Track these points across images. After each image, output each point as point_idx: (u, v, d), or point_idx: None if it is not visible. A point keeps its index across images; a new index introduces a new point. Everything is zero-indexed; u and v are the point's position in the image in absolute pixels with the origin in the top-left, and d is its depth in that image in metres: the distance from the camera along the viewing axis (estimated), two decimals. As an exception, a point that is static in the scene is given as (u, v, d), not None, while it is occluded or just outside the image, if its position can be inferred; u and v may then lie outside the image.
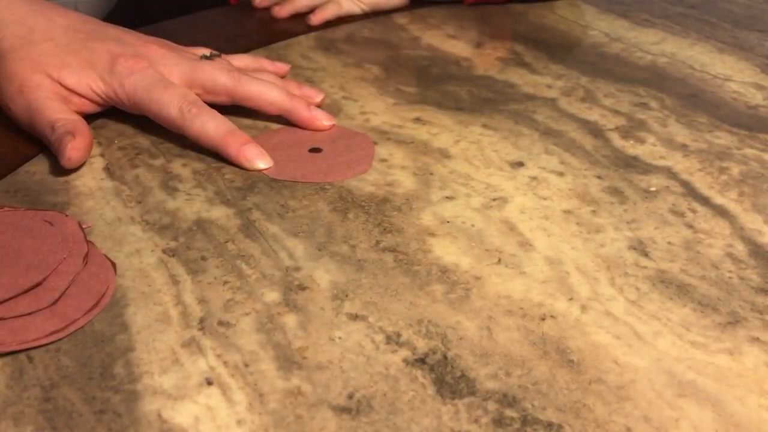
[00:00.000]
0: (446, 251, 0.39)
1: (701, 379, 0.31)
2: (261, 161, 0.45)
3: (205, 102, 0.48)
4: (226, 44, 0.63)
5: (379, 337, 0.33)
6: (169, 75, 0.48)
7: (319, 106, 0.53)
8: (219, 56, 0.53)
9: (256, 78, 0.50)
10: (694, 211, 0.42)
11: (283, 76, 0.57)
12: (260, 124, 0.51)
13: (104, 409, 0.29)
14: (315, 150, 0.48)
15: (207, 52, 0.53)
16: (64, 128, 0.44)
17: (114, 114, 0.50)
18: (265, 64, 0.57)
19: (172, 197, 0.42)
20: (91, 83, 0.47)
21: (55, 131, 0.44)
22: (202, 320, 0.34)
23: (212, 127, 0.46)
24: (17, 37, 0.47)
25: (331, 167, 0.46)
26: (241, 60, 0.56)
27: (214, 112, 0.47)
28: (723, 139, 0.50)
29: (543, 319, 0.34)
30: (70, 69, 0.47)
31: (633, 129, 0.51)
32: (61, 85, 0.47)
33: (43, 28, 0.48)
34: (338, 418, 0.29)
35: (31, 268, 0.35)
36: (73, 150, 0.43)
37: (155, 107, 0.46)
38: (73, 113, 0.46)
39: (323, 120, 0.50)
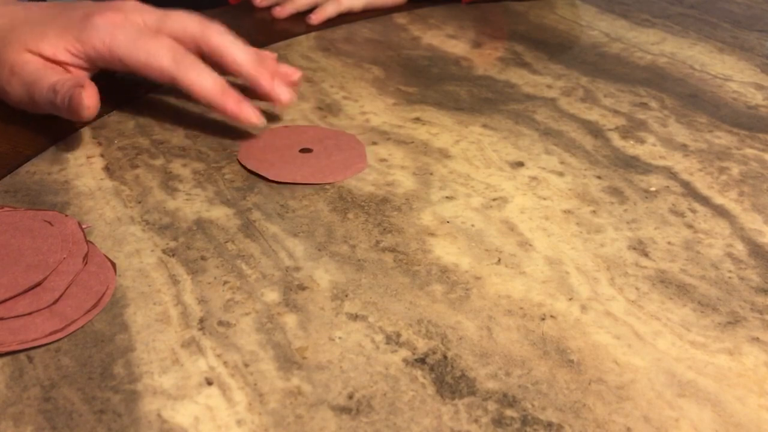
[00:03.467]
0: (446, 251, 0.39)
1: (701, 379, 0.31)
2: (257, 118, 0.46)
3: None
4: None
5: (379, 337, 0.33)
6: (142, 21, 0.48)
7: (296, 85, 0.53)
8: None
9: (228, 37, 0.49)
10: (694, 211, 0.42)
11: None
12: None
13: (104, 409, 0.29)
14: (305, 150, 0.47)
15: None
16: (68, 84, 0.44)
17: (114, 114, 0.50)
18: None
19: (172, 197, 0.42)
20: (68, 46, 0.47)
21: (58, 91, 0.44)
22: (202, 320, 0.34)
23: (210, 81, 0.46)
24: (1, 32, 0.48)
25: (329, 167, 0.45)
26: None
27: (208, 66, 0.46)
28: (723, 139, 0.50)
29: (543, 319, 0.34)
30: (47, 39, 0.47)
31: (633, 129, 0.51)
32: (42, 57, 0.47)
33: (23, 15, 0.49)
34: (338, 418, 0.29)
35: (30, 268, 0.35)
36: (89, 98, 0.43)
37: (144, 57, 0.46)
38: (70, 75, 0.46)
39: (282, 95, 0.49)
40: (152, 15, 0.48)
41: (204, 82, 0.46)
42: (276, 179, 0.44)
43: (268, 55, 0.54)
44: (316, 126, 0.51)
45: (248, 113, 0.46)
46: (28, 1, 0.51)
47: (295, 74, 0.53)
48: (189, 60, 0.46)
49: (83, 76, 0.46)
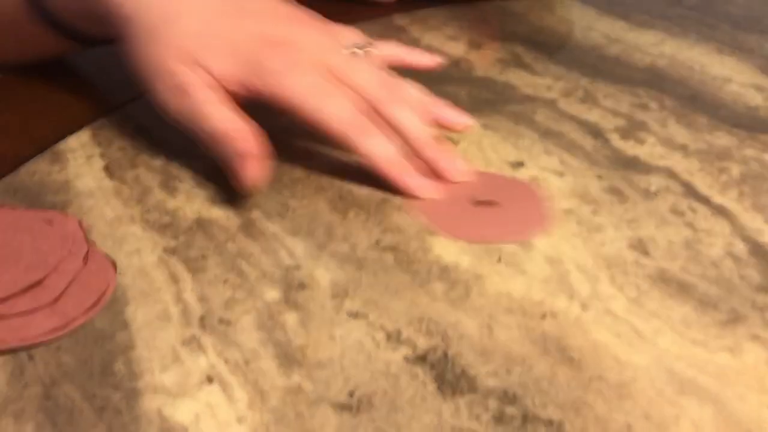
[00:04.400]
0: (446, 250, 0.39)
1: (701, 376, 0.31)
2: (430, 192, 0.43)
3: None
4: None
5: (380, 335, 0.33)
6: (323, 64, 0.43)
7: (459, 131, 0.48)
8: (370, 45, 0.48)
9: (404, 106, 0.44)
10: (694, 210, 0.42)
11: (432, 70, 0.52)
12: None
13: (105, 407, 0.29)
14: (481, 203, 0.43)
15: (359, 39, 0.48)
16: (238, 144, 0.40)
17: (114, 114, 0.50)
18: (415, 57, 0.51)
19: (172, 196, 0.42)
20: (241, 76, 0.42)
21: (226, 145, 0.41)
22: (202, 318, 0.34)
23: (384, 151, 0.42)
24: (155, 14, 0.43)
25: (510, 224, 0.41)
26: (389, 48, 0.50)
27: (381, 134, 0.43)
28: (723, 139, 0.50)
29: (543, 318, 0.34)
30: (213, 54, 0.42)
31: (633, 130, 0.51)
32: (207, 72, 0.42)
33: (194, 3, 0.44)
34: (339, 415, 0.29)
35: (31, 268, 0.35)
36: (252, 170, 0.40)
37: (317, 114, 0.42)
38: (239, 117, 0.42)
39: (454, 172, 0.44)
40: (335, 58, 0.44)
41: (378, 151, 0.42)
42: (465, 239, 0.40)
43: (437, 102, 0.48)
44: (486, 173, 0.46)
45: (420, 189, 0.43)
46: None
47: (460, 121, 0.47)
48: (365, 125, 0.42)
49: (253, 133, 0.41)
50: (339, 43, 0.46)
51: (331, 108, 0.42)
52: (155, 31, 0.43)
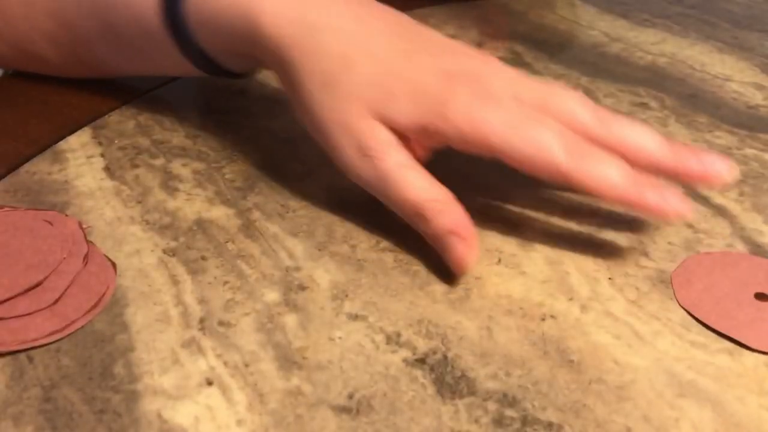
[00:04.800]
0: (446, 251, 0.39)
1: (701, 379, 0.31)
2: (682, 204, 0.35)
3: None
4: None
5: (379, 337, 0.33)
6: (515, 97, 0.37)
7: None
8: None
9: (628, 123, 0.37)
10: (694, 211, 0.42)
11: None
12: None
13: (104, 409, 0.29)
14: (762, 296, 0.35)
15: None
16: (442, 218, 0.36)
17: (114, 114, 0.50)
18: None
19: (173, 197, 0.42)
20: (426, 122, 0.36)
21: (430, 222, 0.36)
22: (202, 320, 0.34)
23: (616, 172, 0.35)
24: (336, 61, 0.38)
25: None
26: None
27: (609, 155, 0.36)
28: (723, 139, 0.50)
29: (543, 319, 0.34)
30: (396, 102, 0.37)
31: (633, 129, 0.51)
32: (390, 127, 0.37)
33: (362, 39, 0.38)
34: (338, 418, 0.29)
35: (30, 268, 0.35)
36: (464, 250, 0.36)
37: (527, 146, 0.35)
38: (434, 183, 0.37)
39: (722, 171, 0.36)
40: (529, 88, 0.37)
41: (609, 173, 0.35)
42: (759, 348, 0.33)
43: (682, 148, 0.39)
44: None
45: (678, 206, 0.35)
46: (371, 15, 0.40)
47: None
48: (584, 148, 0.35)
49: (454, 204, 0.37)
50: (521, 73, 0.39)
51: (536, 136, 0.35)
52: (333, 80, 0.37)
